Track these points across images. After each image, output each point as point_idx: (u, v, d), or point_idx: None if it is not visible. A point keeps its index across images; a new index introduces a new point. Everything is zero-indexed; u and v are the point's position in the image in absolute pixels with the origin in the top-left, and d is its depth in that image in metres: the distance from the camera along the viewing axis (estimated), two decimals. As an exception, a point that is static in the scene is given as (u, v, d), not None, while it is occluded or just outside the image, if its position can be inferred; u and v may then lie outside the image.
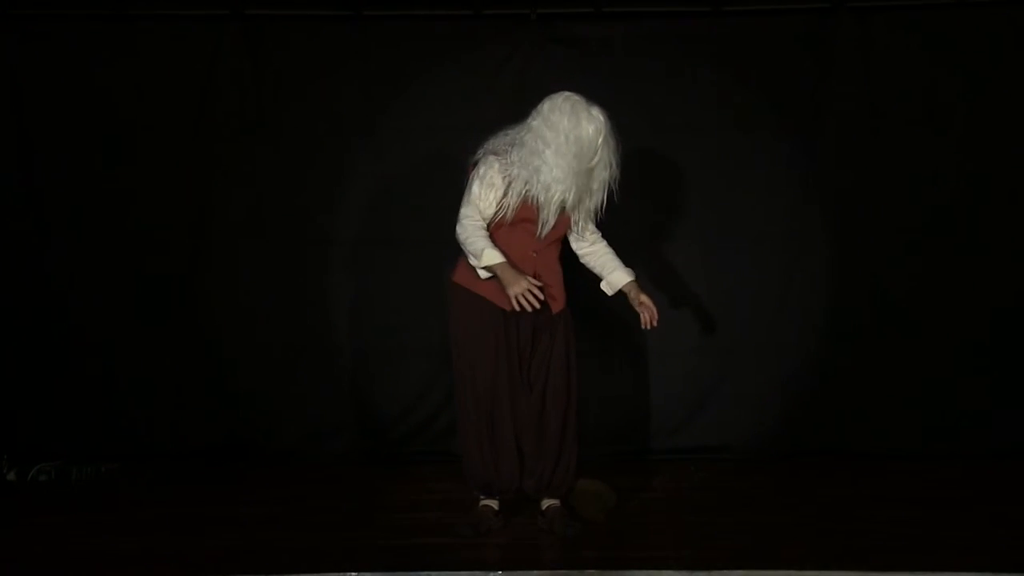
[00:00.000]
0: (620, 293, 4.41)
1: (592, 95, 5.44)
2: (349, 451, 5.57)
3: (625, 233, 5.46)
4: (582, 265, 4.51)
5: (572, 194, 4.13)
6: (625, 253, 5.51)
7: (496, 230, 4.20)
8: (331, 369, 5.58)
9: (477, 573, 3.77)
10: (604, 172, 4.17)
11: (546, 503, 4.37)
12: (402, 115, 5.52)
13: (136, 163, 5.50)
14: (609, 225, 4.46)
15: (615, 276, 4.40)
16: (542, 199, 4.12)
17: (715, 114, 5.51)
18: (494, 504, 4.38)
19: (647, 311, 4.34)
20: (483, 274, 4.17)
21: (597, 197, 4.24)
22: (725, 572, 3.73)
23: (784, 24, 5.49)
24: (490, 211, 4.17)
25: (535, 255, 4.25)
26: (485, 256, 4.10)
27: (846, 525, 4.35)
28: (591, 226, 4.39)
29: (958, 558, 3.81)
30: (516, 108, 5.44)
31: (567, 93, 4.17)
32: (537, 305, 4.07)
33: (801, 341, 5.53)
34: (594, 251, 4.44)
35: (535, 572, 3.79)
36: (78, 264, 5.51)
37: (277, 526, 4.42)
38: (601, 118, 4.12)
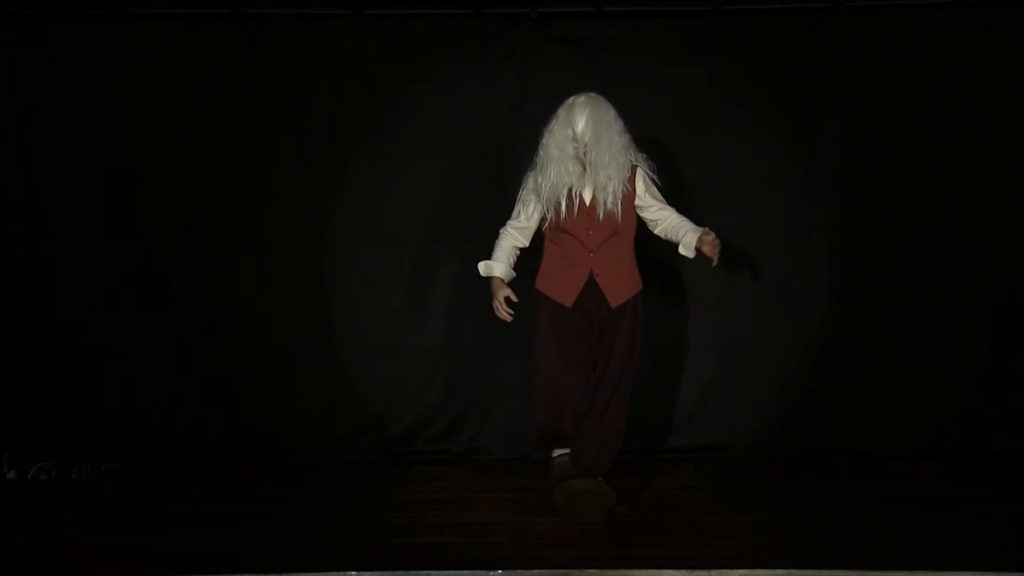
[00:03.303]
0: (701, 253, 4.58)
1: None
2: (348, 451, 5.57)
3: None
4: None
5: (580, 181, 4.48)
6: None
7: (552, 236, 4.60)
8: (331, 369, 5.58)
9: (477, 573, 3.77)
10: (611, 150, 4.46)
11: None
12: (402, 113, 5.51)
13: (136, 162, 5.50)
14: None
15: (687, 239, 4.59)
16: (552, 194, 4.49)
17: (715, 114, 5.50)
18: (566, 451, 4.64)
19: (710, 247, 4.52)
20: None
21: (617, 175, 4.49)
22: (725, 572, 3.73)
23: (784, 24, 5.49)
24: (534, 219, 4.60)
25: (591, 255, 4.55)
26: (482, 268, 4.64)
27: (846, 525, 4.35)
28: (650, 200, 4.64)
29: (958, 558, 3.81)
30: (516, 107, 5.47)
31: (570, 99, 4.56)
32: (508, 318, 4.57)
33: (801, 341, 5.53)
34: (660, 218, 4.66)
35: (535, 572, 3.79)
36: (78, 264, 5.51)
37: (277, 526, 4.42)
38: (582, 110, 4.46)
